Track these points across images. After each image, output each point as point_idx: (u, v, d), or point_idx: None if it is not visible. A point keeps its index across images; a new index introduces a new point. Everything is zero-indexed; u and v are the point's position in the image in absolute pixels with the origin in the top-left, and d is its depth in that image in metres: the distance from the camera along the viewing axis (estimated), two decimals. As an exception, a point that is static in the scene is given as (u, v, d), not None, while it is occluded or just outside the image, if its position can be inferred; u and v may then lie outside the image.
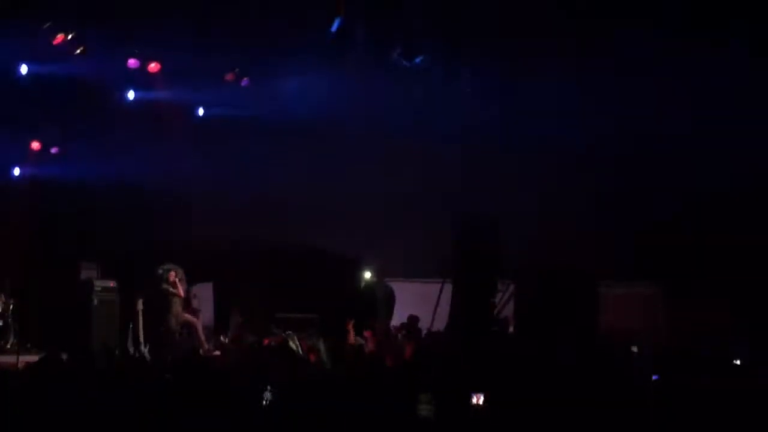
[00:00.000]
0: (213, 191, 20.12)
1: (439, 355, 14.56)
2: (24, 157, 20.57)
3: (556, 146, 18.70)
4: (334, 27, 17.22)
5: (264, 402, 8.83)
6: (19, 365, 13.94)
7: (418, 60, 18.26)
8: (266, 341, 16.20)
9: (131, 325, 18.25)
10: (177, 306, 18.59)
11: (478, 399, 9.57)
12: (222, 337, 18.98)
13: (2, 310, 18.94)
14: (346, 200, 19.58)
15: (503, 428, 9.27)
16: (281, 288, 19.56)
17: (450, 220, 17.04)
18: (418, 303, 18.80)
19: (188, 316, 18.79)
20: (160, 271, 18.64)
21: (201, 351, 17.02)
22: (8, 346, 18.08)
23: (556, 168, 19.41)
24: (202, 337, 18.67)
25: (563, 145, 18.75)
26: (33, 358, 13.91)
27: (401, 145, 19.19)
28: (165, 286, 18.51)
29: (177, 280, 18.63)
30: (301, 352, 15.28)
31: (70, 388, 9.50)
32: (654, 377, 11.01)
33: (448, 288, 17.24)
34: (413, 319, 18.69)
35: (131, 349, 17.36)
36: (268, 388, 8.86)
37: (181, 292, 18.64)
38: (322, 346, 15.12)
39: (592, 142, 18.89)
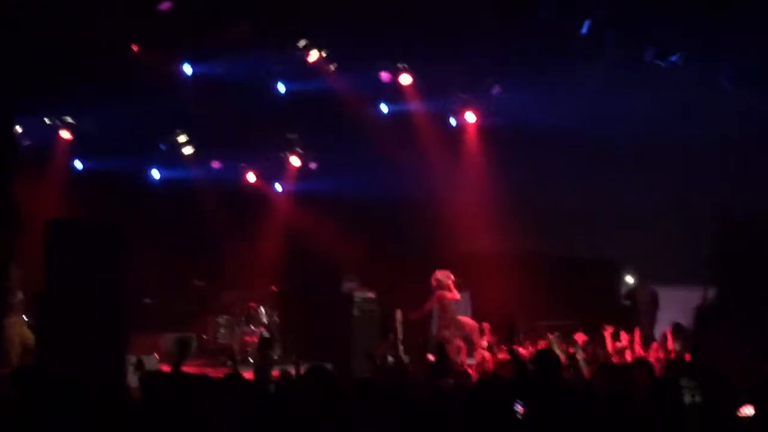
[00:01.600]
0: (469, 200, 20.11)
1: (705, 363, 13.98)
2: (283, 172, 21.30)
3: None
4: (585, 29, 16.78)
5: (516, 415, 8.59)
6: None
7: (674, 58, 17.44)
8: (525, 350, 15.94)
9: (391, 335, 18.36)
10: (450, 311, 18.34)
11: (747, 410, 8.95)
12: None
13: (268, 321, 19.64)
14: (605, 205, 19.14)
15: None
16: (541, 294, 19.31)
17: (713, 222, 16.34)
18: (680, 310, 18.09)
19: (465, 320, 18.53)
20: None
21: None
22: (275, 357, 18.67)
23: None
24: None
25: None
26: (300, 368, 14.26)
27: (658, 146, 18.50)
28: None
29: (451, 282, 18.41)
30: (564, 357, 14.89)
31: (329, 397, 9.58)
32: None
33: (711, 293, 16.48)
34: (679, 326, 18.03)
35: (389, 358, 17.42)
36: (518, 400, 8.58)
37: (456, 295, 18.48)
38: (579, 350, 14.76)
39: None
